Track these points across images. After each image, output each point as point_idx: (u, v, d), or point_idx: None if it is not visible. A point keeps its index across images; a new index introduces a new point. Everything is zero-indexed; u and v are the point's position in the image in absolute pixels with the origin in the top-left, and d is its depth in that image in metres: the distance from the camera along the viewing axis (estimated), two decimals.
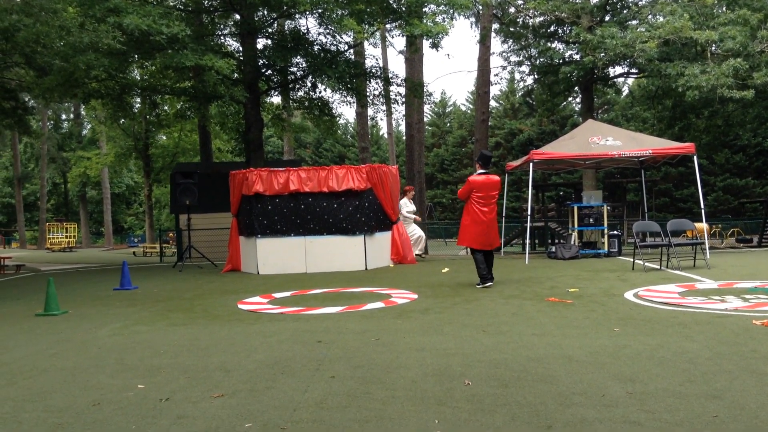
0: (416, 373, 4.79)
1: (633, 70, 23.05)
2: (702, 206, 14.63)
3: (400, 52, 25.51)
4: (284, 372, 4.95)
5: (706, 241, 13.82)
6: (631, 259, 12.24)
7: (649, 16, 20.01)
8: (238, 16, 17.92)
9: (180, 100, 21.90)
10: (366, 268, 13.51)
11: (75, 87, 16.00)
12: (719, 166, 37.61)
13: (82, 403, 4.32)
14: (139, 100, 26.25)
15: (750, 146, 37.14)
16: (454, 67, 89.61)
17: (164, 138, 38.07)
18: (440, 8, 17.04)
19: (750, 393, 4.02)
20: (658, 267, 11.66)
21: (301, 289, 10.39)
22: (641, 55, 17.89)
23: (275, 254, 13.51)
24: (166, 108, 27.38)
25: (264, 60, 18.16)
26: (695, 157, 14.74)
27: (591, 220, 15.18)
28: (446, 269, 12.94)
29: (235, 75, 18.25)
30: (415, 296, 9.01)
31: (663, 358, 4.95)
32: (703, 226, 14.74)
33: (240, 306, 8.66)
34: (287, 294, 9.81)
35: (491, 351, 5.43)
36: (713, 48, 18.38)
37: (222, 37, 20.09)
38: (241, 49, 18.59)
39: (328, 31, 18.63)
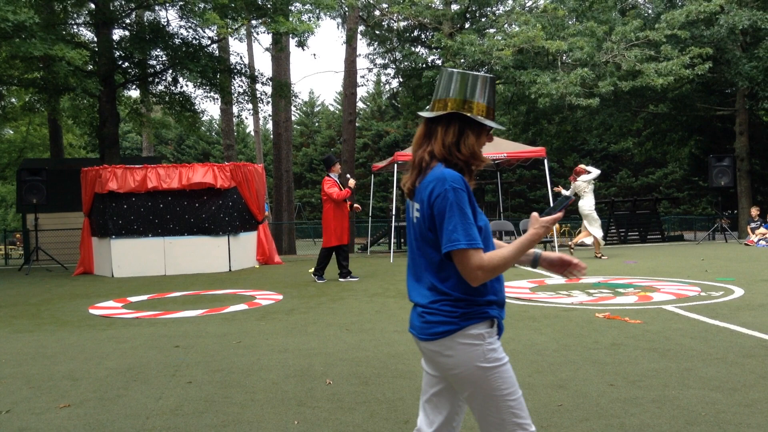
0: (278, 374, 4.75)
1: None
2: None
3: (267, 49, 25.15)
4: (137, 379, 4.74)
5: (556, 239, 14.72)
6: None
7: (506, 25, 20.99)
8: (93, 5, 16.93)
9: (28, 91, 20.40)
10: (230, 270, 13.21)
11: None
12: (569, 169, 40.19)
13: None
14: None
15: (596, 151, 40.05)
16: (322, 66, 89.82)
17: (11, 132, 35.31)
18: (306, 7, 16.95)
19: (592, 382, 4.32)
20: None
21: (159, 292, 9.98)
22: (498, 62, 18.75)
23: (131, 256, 12.88)
24: (12, 100, 25.39)
25: (121, 52, 17.28)
26: (546, 161, 15.66)
27: None
28: (312, 269, 12.91)
29: (89, 66, 17.22)
30: (281, 297, 8.93)
31: (514, 350, 5.21)
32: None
33: (91, 311, 8.20)
34: (144, 297, 9.40)
35: (354, 349, 5.49)
36: (564, 57, 19.58)
37: (75, 27, 18.90)
38: (95, 39, 17.56)
39: (190, 24, 18.02)
